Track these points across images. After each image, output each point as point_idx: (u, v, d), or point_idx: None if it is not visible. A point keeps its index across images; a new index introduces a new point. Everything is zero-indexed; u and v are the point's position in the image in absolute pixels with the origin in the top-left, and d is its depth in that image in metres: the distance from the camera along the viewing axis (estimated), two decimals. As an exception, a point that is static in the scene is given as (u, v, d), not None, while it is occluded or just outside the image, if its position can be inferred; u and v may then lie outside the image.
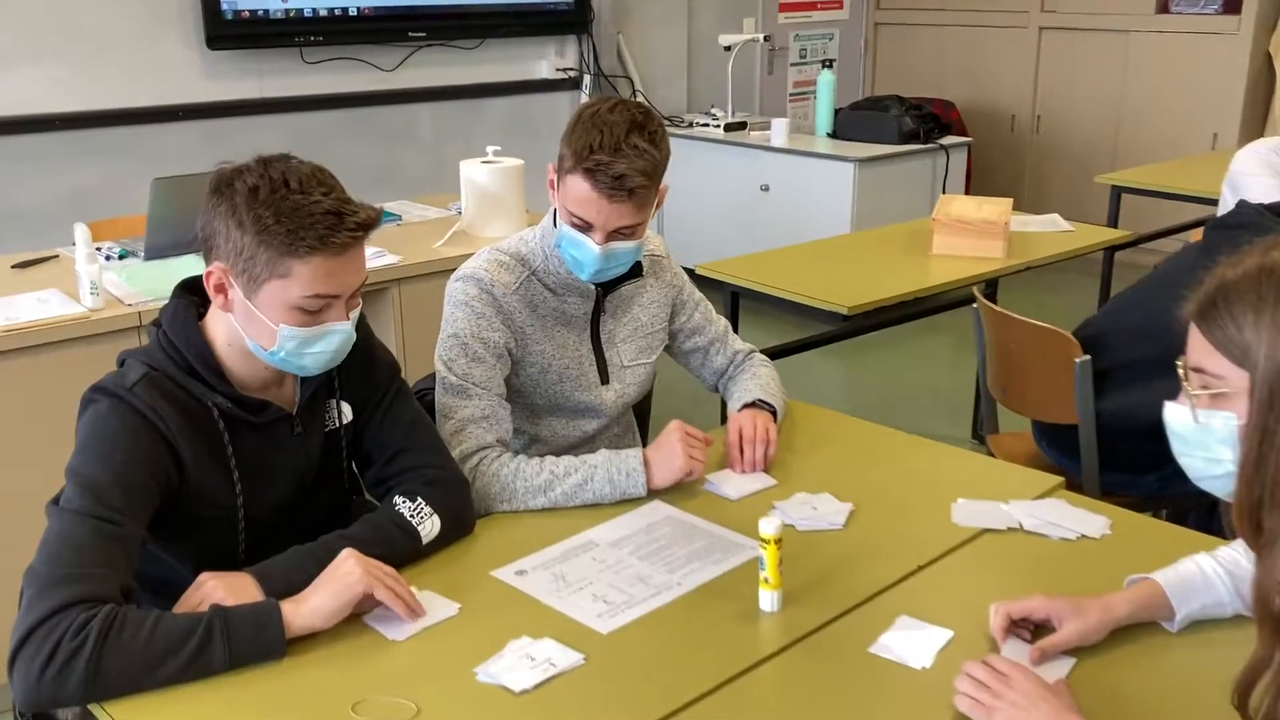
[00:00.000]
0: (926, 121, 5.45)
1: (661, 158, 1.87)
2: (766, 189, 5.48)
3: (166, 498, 1.54)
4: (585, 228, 1.88)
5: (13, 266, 3.04)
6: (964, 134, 6.00)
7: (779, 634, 1.50)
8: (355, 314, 1.61)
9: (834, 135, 5.52)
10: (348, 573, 1.47)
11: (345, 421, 1.75)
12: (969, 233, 3.39)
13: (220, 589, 1.49)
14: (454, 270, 2.04)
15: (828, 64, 6.04)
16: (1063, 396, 2.51)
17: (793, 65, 6.77)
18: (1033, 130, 6.68)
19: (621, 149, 1.81)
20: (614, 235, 1.88)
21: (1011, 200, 3.59)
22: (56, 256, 3.14)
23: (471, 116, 5.44)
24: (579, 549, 1.72)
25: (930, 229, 3.49)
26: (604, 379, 2.09)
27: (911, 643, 1.47)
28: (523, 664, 1.42)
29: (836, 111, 5.53)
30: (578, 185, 1.84)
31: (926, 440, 2.14)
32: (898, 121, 5.34)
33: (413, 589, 1.56)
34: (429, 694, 1.37)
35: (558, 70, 5.69)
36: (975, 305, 2.86)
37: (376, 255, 3.11)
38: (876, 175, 5.21)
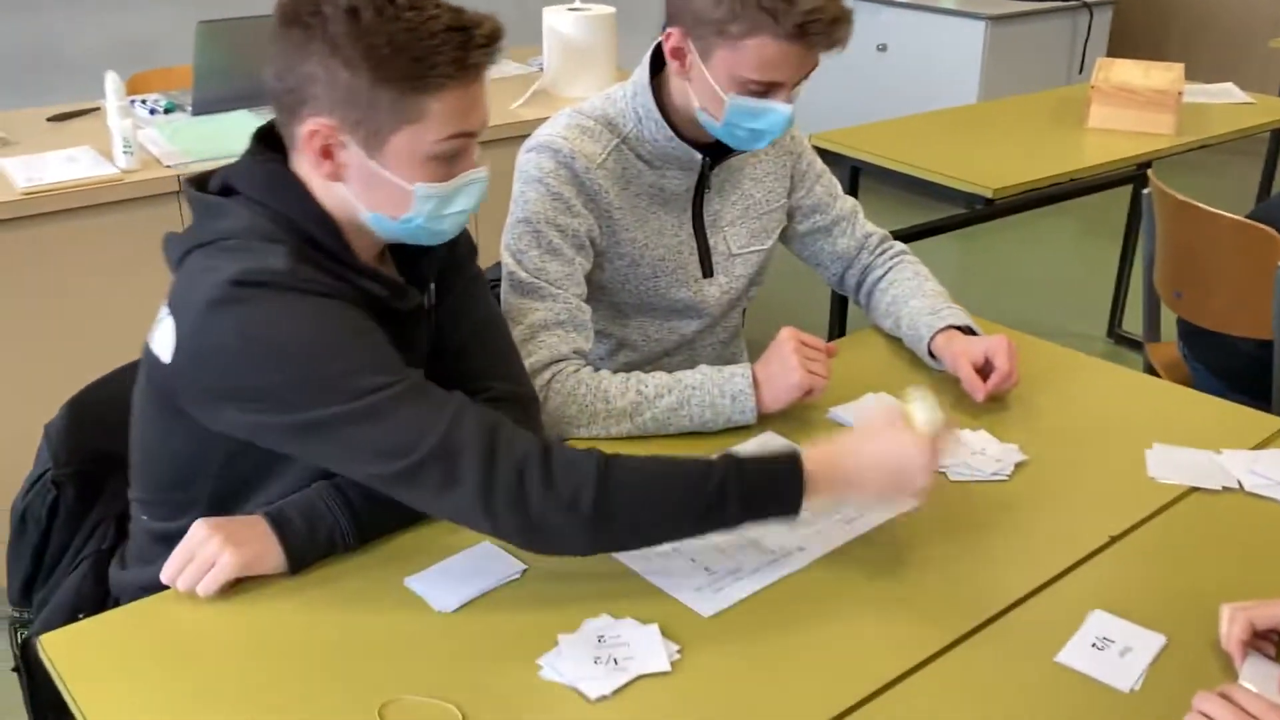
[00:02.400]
0: (1069, -25, 4.83)
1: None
2: (884, 49, 4.94)
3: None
4: (768, 90, 1.48)
5: (49, 119, 2.74)
6: (1108, -9, 5.34)
7: (934, 631, 1.15)
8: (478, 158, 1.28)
9: (962, -11, 4.93)
10: (918, 487, 1.24)
11: (429, 304, 1.41)
12: (1134, 103, 2.90)
13: (219, 535, 1.18)
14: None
15: (958, -92, 5.38)
16: (1258, 306, 2.07)
17: (916, -89, 6.09)
18: (1184, -12, 5.96)
19: None
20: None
21: (1183, 66, 3.07)
22: (98, 109, 2.83)
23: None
24: (673, 493, 1.37)
25: (1085, 98, 3.01)
26: (707, 270, 1.72)
27: (1111, 653, 1.11)
28: (601, 657, 1.09)
29: (967, -38, 4.93)
30: (769, 49, 1.44)
31: (1107, 363, 1.74)
32: (1038, -26, 4.73)
33: (470, 547, 1.24)
34: (478, 691, 1.06)
35: (656, -89, 5.15)
36: (1147, 190, 2.40)
37: (447, 115, 2.73)
38: (1010, 36, 4.64)
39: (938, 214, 3.11)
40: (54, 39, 3.89)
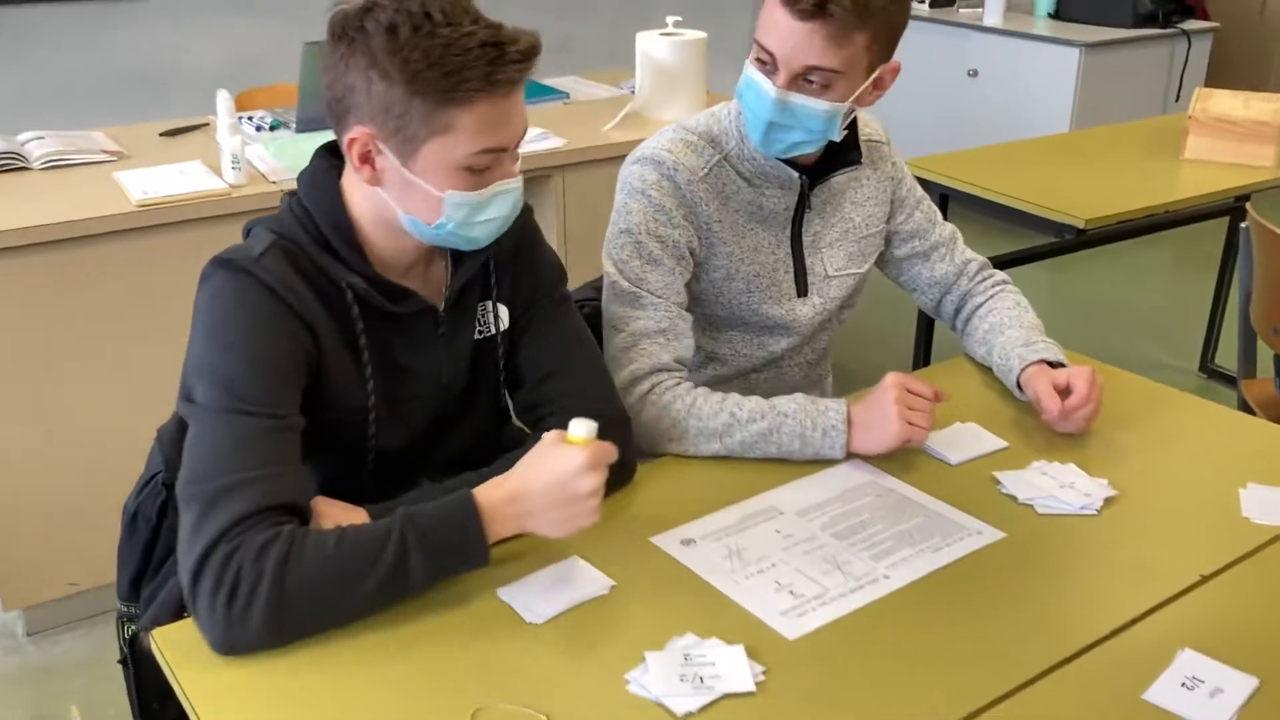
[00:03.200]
0: (1167, 2, 4.76)
1: (885, 3, 1.47)
2: (974, 75, 4.91)
3: (309, 385, 1.30)
4: (768, 66, 1.52)
5: (161, 134, 2.85)
6: (1207, 18, 5.24)
7: (1018, 663, 1.15)
8: (520, 170, 1.33)
9: (1056, 15, 4.89)
10: (584, 495, 1.22)
11: (502, 328, 1.46)
12: (1233, 134, 2.85)
13: (329, 523, 1.24)
14: (624, 157, 1.70)
15: (1054, -67, 5.33)
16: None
17: (1010, -64, 6.04)
18: (1287, 17, 5.82)
19: None
20: (800, 82, 1.50)
21: (1285, 97, 3.01)
22: (207, 124, 2.94)
23: (653, -15, 5.02)
24: (758, 516, 1.39)
25: (1181, 128, 2.96)
26: (801, 290, 1.74)
27: (1201, 693, 1.10)
28: (687, 675, 1.12)
29: (1061, -12, 4.89)
30: (768, 2, 1.49)
31: (1200, 400, 1.72)
32: (1134, 1, 4.66)
33: (560, 561, 1.27)
34: (567, 703, 1.08)
35: (748, -64, 5.18)
36: (1245, 224, 2.36)
37: (540, 138, 2.79)
38: (1105, 63, 4.59)
39: (1028, 242, 3.09)
40: (169, 56, 4.05)
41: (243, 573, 1.12)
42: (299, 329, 1.28)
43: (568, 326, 1.48)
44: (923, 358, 2.70)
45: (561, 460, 1.21)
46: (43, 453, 2.33)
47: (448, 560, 1.20)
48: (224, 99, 2.45)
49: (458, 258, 1.41)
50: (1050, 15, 4.90)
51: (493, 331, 1.46)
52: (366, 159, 1.27)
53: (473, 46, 1.19)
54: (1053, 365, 1.64)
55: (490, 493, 1.22)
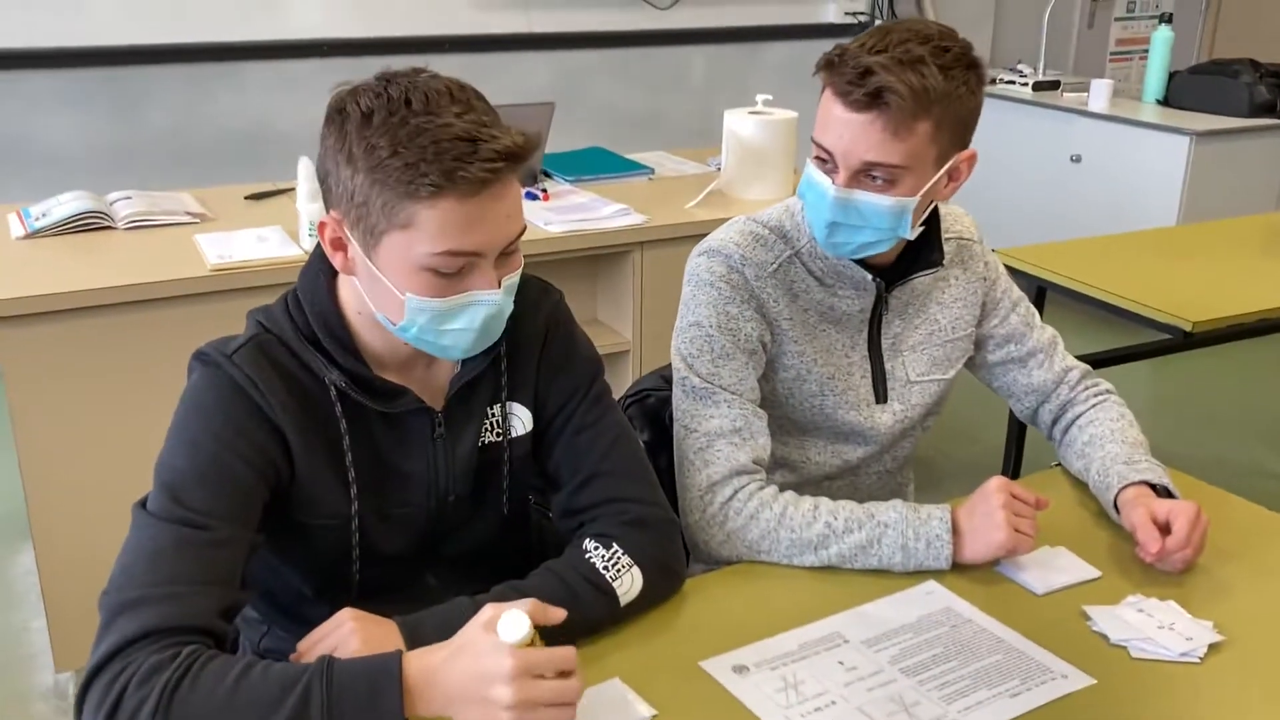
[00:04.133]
0: (1283, 91, 4.56)
1: (948, 89, 1.37)
2: (1078, 160, 4.76)
3: (276, 494, 1.23)
4: (828, 164, 1.43)
5: (246, 197, 2.87)
6: (1327, 109, 5.01)
7: (1106, 838, 1.01)
8: (512, 280, 1.22)
9: (1165, 102, 4.71)
10: (501, 705, 1.03)
11: (521, 432, 1.37)
12: (1357, 235, 2.67)
13: (358, 638, 1.16)
14: (706, 235, 1.62)
15: (1165, 18, 5.18)
16: None
17: (1118, 20, 5.91)
18: None
19: (887, 49, 1.36)
20: (862, 179, 1.41)
21: None
22: (293, 189, 2.95)
23: (747, 62, 4.99)
24: (821, 643, 1.28)
25: (1300, 226, 2.79)
26: (880, 396, 1.63)
27: None
28: (726, 828, 1.01)
29: (1171, 75, 4.72)
30: (824, 98, 1.42)
31: (1317, 532, 1.56)
32: (1249, 89, 4.47)
33: (598, 684, 1.17)
34: None
35: (846, 14, 5.13)
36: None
37: (621, 214, 2.74)
38: (1217, 153, 4.40)
39: (1129, 339, 2.93)
40: (266, 118, 4.12)
41: (126, 694, 1.02)
42: (266, 433, 1.20)
43: (606, 424, 1.38)
44: (1014, 460, 2.55)
45: (486, 656, 1.04)
46: (105, 512, 2.31)
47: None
48: (305, 165, 2.45)
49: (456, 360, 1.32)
50: (1159, 101, 4.73)
51: (500, 436, 1.36)
52: (339, 245, 1.21)
53: (444, 139, 1.11)
54: (1155, 489, 1.50)
55: (421, 660, 1.07)
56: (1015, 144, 4.99)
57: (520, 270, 1.23)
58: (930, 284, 1.63)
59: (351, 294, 1.26)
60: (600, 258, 2.79)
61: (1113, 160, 4.63)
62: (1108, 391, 1.69)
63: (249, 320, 1.28)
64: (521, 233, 1.21)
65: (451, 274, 1.17)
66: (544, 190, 2.89)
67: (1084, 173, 4.74)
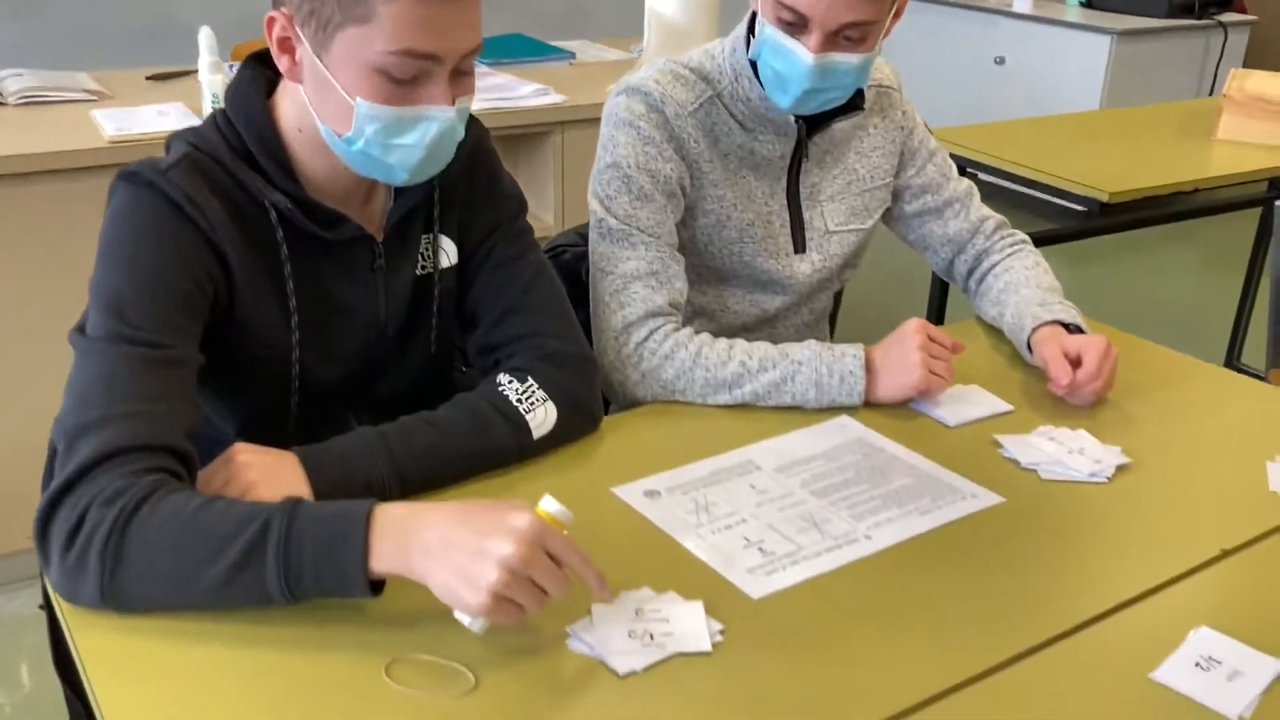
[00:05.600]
0: (1204, -8, 4.61)
1: None
2: (1001, 62, 4.77)
3: (214, 317, 1.17)
4: (796, 26, 1.38)
5: (148, 78, 2.75)
6: (1244, 11, 5.08)
7: (1011, 635, 1.02)
8: (465, 104, 1.16)
9: (1087, 4, 4.73)
10: (493, 558, 0.93)
11: (446, 264, 1.34)
12: (1271, 114, 2.71)
13: (254, 470, 1.11)
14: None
15: (1089, -79, 5.18)
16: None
17: (1044, -75, 5.88)
18: (1328, 17, 5.64)
19: None
20: (835, 41, 1.38)
21: (1325, 80, 2.86)
22: (197, 72, 2.83)
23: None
24: (733, 470, 1.27)
25: (1214, 110, 2.82)
26: (799, 246, 1.61)
27: (1217, 675, 0.97)
28: (636, 631, 0.99)
29: (1094, -24, 4.74)
30: None
31: (1223, 370, 1.58)
32: (1169, -10, 4.51)
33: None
34: (496, 656, 0.96)
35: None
36: (1279, 204, 2.21)
37: (539, 93, 2.67)
38: (1136, 53, 4.44)
39: (1042, 224, 2.95)
40: (170, 11, 3.95)
41: (88, 515, 0.96)
42: (205, 252, 1.14)
43: (527, 261, 1.35)
44: (934, 318, 2.55)
45: (507, 511, 0.95)
46: (8, 384, 2.23)
47: (317, 578, 0.95)
48: (206, 35, 2.34)
49: (400, 187, 1.27)
50: (1081, 3, 4.75)
51: (431, 269, 1.32)
52: (285, 46, 1.13)
53: None
54: (1069, 329, 1.51)
55: (398, 513, 0.97)
56: (939, 47, 4.98)
57: (473, 96, 1.17)
58: (849, 131, 1.60)
59: (292, 109, 1.18)
60: (519, 139, 2.72)
61: (1036, 61, 4.65)
62: (1023, 242, 1.69)
63: (173, 143, 1.20)
64: (477, 50, 1.14)
65: (405, 81, 1.10)
66: (460, 71, 2.80)
67: (1007, 74, 4.76)
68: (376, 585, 0.97)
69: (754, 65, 1.48)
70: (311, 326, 1.24)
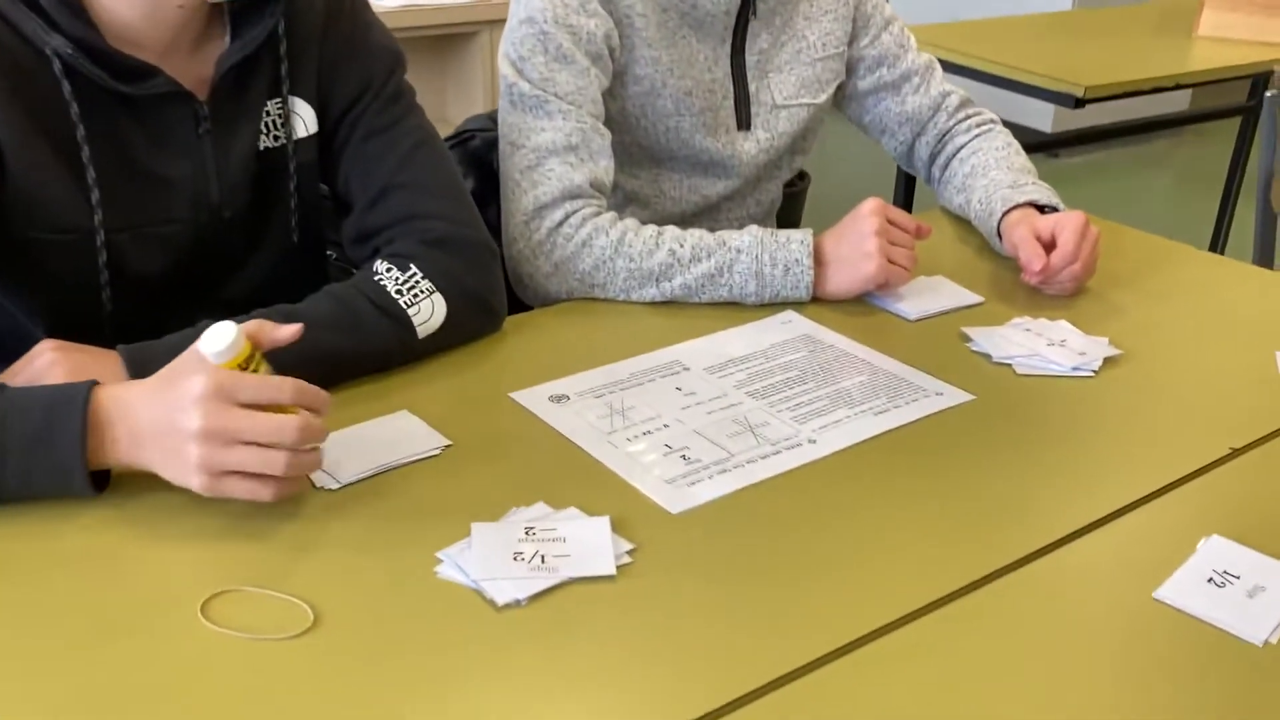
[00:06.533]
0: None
1: None
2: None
3: None
4: None
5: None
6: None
7: (985, 552, 0.84)
8: None
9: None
10: (189, 433, 0.80)
11: (303, 134, 1.11)
12: (1253, 8, 2.52)
13: (60, 369, 0.91)
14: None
15: None
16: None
17: None
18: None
19: None
20: None
21: (1311, -27, 2.67)
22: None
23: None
24: (656, 371, 1.07)
25: (1196, 6, 2.63)
26: (743, 121, 1.40)
27: (1234, 592, 0.79)
28: (524, 554, 0.80)
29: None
30: None
31: (1217, 256, 1.41)
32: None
33: (382, 416, 0.95)
34: (342, 588, 0.77)
35: None
36: (1270, 94, 2.03)
37: (466, -11, 2.44)
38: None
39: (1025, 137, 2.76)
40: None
41: None
42: None
43: (405, 128, 1.13)
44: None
45: (185, 378, 0.81)
46: None
47: (26, 474, 0.81)
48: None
49: (237, 32, 1.05)
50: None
51: (282, 140, 1.10)
52: None
53: None
54: (1044, 211, 1.32)
55: (118, 391, 0.83)
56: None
57: None
58: None
59: None
60: (445, 41, 2.49)
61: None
62: (992, 121, 1.50)
63: None
64: None
65: None
66: (380, -30, 2.56)
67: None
68: (100, 481, 0.83)
69: None
70: (119, 204, 1.02)
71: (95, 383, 0.83)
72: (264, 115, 1.09)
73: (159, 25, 0.99)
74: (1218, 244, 3.27)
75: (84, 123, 0.98)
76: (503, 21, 2.40)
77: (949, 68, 2.38)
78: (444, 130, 2.47)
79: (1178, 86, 2.36)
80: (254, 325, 0.86)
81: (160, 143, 1.03)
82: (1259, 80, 2.62)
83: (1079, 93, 2.16)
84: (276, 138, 1.10)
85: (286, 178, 1.11)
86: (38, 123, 0.96)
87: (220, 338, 0.81)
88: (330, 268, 1.29)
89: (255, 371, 0.84)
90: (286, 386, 0.83)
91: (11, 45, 0.95)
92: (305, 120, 1.11)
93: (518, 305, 1.28)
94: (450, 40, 2.49)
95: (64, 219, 1.00)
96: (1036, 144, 2.78)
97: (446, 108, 2.63)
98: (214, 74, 1.03)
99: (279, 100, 1.09)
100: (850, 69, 1.48)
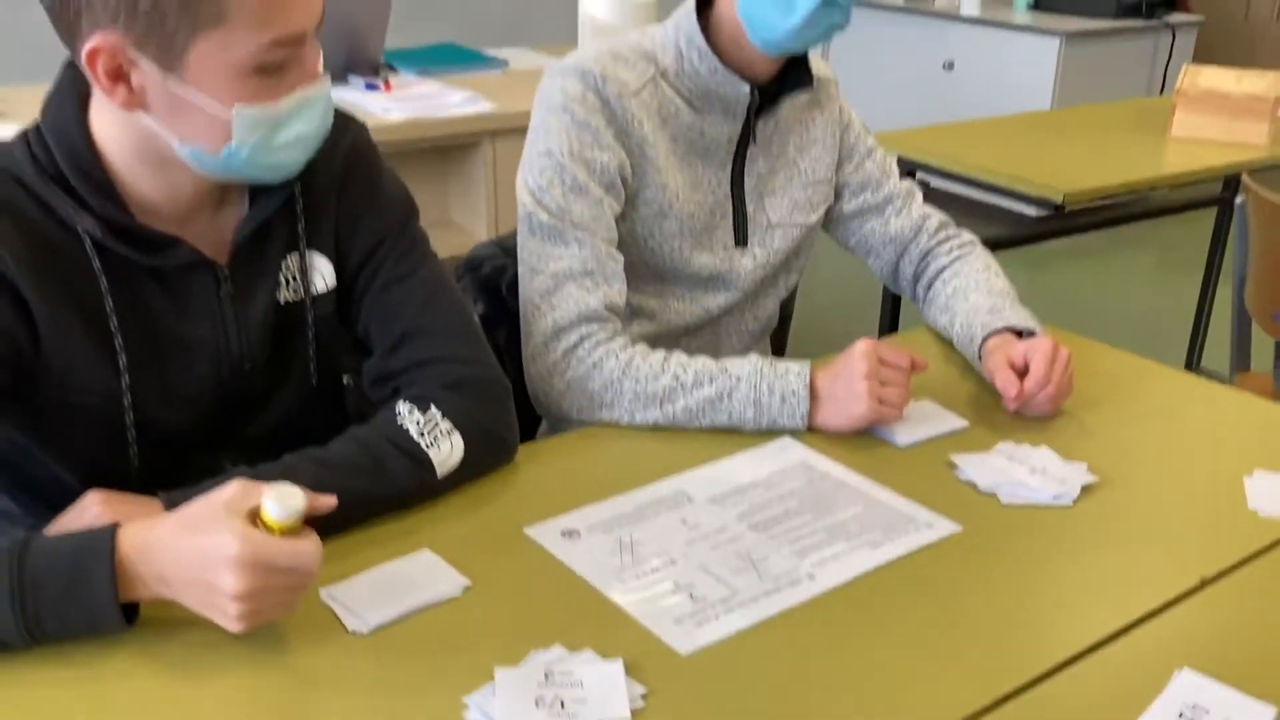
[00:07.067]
0: (1150, -7, 4.57)
1: None
2: (950, 67, 4.70)
3: (19, 370, 1.03)
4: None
5: (52, 94, 2.59)
6: (1190, 11, 5.05)
7: (973, 688, 0.90)
8: (321, 67, 1.05)
9: (1036, 7, 4.68)
10: (225, 594, 0.86)
11: (323, 288, 1.19)
12: (1225, 109, 2.63)
13: (108, 520, 0.97)
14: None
15: (1034, -77, 5.13)
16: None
17: (989, -70, 5.85)
18: (1273, 16, 5.64)
19: None
20: None
21: (1279, 74, 2.79)
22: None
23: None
24: (662, 503, 1.14)
25: (1168, 108, 2.75)
26: (741, 239, 1.49)
27: (1206, 726, 0.86)
28: (545, 698, 0.86)
29: (1041, -22, 4.70)
30: None
31: (1191, 375, 1.48)
32: (1116, -9, 4.47)
33: (406, 556, 1.01)
34: (383, 735, 0.83)
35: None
36: (1240, 200, 2.13)
37: (468, 101, 2.55)
38: (1086, 55, 4.38)
39: (995, 229, 2.86)
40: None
41: None
42: None
43: (422, 276, 1.20)
44: (887, 327, 2.45)
45: (213, 534, 0.86)
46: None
47: (63, 618, 0.86)
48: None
49: (255, 196, 1.13)
50: (1030, 6, 4.70)
51: (301, 295, 1.17)
52: (118, 76, 0.97)
53: None
54: (1021, 335, 1.40)
55: (140, 534, 0.88)
56: (888, 53, 4.91)
57: (321, 57, 1.05)
58: (792, 121, 1.50)
59: (115, 129, 1.03)
60: (449, 151, 2.60)
61: (985, 65, 4.58)
62: (971, 243, 1.59)
63: None
64: (321, 14, 1.03)
65: (276, 70, 0.99)
66: (385, 81, 2.67)
67: (956, 79, 4.69)
68: (130, 613, 0.89)
69: (706, 36, 1.37)
70: (145, 367, 1.09)
71: (117, 526, 0.88)
72: (282, 270, 1.16)
73: (178, 200, 1.08)
74: (1199, 331, 3.35)
75: (112, 294, 1.05)
76: (502, 132, 2.52)
77: (933, 172, 2.49)
78: (449, 234, 2.58)
79: (1153, 190, 2.46)
80: (310, 496, 0.91)
81: (183, 307, 1.10)
82: (1231, 180, 2.72)
83: (1058, 199, 2.25)
84: (295, 290, 1.17)
85: (305, 328, 1.18)
86: (69, 295, 1.04)
87: (290, 507, 0.88)
88: (347, 394, 1.36)
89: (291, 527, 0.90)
90: (307, 553, 0.88)
91: (45, 224, 1.02)
92: (324, 274, 1.18)
93: (533, 415, 1.35)
94: (454, 150, 2.59)
95: (93, 384, 1.07)
96: (1021, 236, 2.88)
97: (450, 212, 2.73)
98: (233, 239, 1.11)
99: (295, 255, 1.16)
100: (837, 193, 1.58)
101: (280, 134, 1.02)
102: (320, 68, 1.04)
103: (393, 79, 2.74)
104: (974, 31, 4.61)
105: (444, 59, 2.96)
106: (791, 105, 1.47)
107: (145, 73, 0.98)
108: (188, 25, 0.94)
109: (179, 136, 1.01)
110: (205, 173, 1.05)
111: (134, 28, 0.95)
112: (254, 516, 0.88)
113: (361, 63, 2.71)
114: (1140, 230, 4.57)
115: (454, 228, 2.70)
